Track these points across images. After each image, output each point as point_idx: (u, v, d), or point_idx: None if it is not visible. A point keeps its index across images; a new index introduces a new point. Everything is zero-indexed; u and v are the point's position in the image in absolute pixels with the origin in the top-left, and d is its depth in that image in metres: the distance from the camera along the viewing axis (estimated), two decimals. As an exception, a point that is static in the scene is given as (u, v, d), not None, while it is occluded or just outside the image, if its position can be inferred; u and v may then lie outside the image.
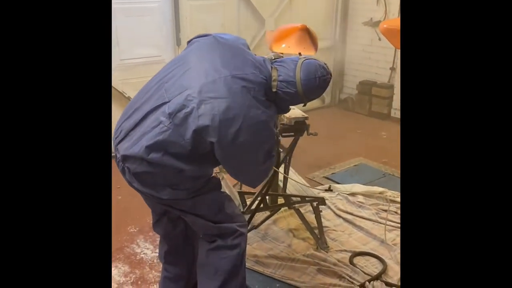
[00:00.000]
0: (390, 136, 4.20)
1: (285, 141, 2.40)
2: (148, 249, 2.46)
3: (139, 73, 3.70)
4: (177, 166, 1.49)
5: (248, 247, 2.43)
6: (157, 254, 2.39)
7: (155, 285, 2.17)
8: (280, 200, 2.55)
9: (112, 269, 2.29)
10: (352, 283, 2.15)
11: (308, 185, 2.68)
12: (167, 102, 1.48)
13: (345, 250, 2.43)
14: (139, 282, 2.20)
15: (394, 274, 2.22)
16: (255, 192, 2.36)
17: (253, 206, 2.37)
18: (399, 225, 2.56)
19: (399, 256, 2.29)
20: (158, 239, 2.52)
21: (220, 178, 2.76)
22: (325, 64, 1.66)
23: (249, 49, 1.66)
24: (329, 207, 2.85)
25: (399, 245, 2.41)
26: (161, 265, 2.31)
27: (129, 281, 2.21)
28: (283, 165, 2.45)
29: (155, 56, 3.78)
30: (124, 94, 3.66)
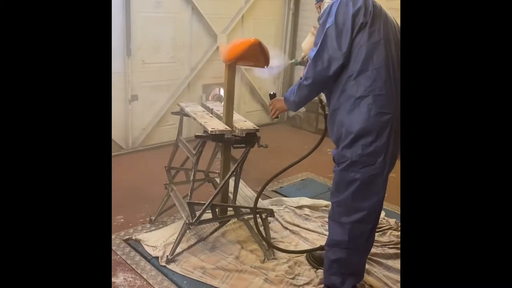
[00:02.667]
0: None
1: (238, 153, 2.44)
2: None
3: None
4: None
5: (195, 259, 2.42)
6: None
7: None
8: (230, 212, 2.57)
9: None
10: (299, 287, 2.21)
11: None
12: None
13: (291, 261, 2.48)
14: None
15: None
16: (204, 203, 2.36)
17: (202, 217, 2.37)
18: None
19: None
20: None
21: (170, 190, 2.74)
22: None
23: None
24: (276, 219, 2.90)
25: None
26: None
27: None
28: (233, 178, 2.48)
29: (104, 65, 3.70)
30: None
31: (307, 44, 2.12)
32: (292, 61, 2.30)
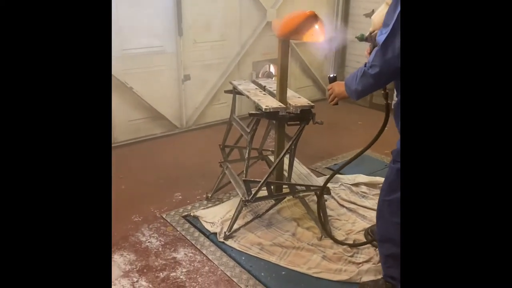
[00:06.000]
0: (391, 128, 4.19)
1: (291, 130, 2.40)
2: (153, 237, 2.46)
3: (140, 63, 3.69)
4: None
5: (252, 235, 2.45)
6: (163, 243, 2.40)
7: (161, 273, 2.18)
8: (285, 190, 2.56)
9: (118, 257, 2.29)
10: (358, 265, 2.18)
11: (312, 174, 2.68)
12: None
13: (349, 239, 2.44)
14: (145, 270, 2.21)
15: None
16: (260, 181, 2.36)
17: (258, 195, 2.37)
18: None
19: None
20: (163, 228, 2.53)
21: (225, 168, 2.77)
22: None
23: None
24: (332, 197, 2.86)
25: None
26: (167, 253, 2.32)
27: (134, 269, 2.21)
28: (287, 155, 2.45)
29: (157, 46, 3.77)
30: (126, 84, 3.64)
31: (377, 17, 1.84)
32: (358, 35, 1.97)
